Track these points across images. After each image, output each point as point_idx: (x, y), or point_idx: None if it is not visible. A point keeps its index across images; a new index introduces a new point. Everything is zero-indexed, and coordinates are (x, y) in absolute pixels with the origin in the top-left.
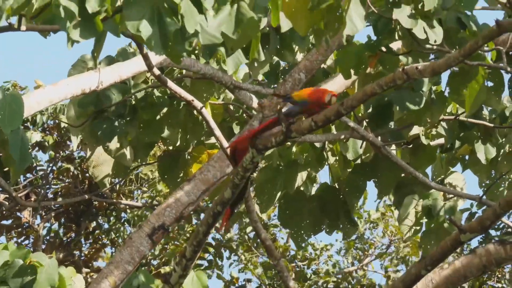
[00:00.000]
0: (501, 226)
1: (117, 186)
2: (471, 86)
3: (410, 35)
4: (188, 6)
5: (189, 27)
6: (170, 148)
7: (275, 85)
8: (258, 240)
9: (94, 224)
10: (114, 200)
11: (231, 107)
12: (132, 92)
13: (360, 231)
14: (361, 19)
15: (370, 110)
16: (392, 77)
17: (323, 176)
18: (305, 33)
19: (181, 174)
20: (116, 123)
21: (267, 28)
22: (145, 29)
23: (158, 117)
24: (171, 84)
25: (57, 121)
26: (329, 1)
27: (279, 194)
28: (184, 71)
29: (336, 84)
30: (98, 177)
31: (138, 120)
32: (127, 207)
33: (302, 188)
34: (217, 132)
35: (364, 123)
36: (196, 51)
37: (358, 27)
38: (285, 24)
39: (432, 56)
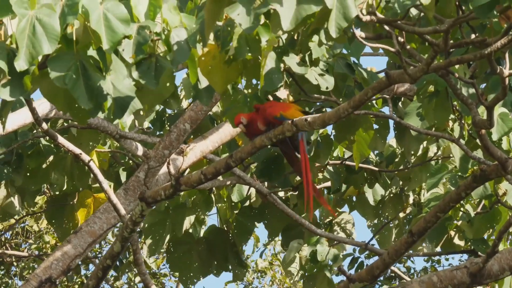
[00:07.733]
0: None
1: (2, 237)
2: (359, 134)
3: (297, 84)
4: (115, 60)
5: (117, 82)
6: (57, 193)
7: (161, 132)
8: None
9: None
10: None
11: (118, 154)
12: (19, 141)
13: (248, 280)
14: (278, 75)
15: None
16: (281, 129)
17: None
18: (222, 90)
19: (66, 221)
20: (3, 170)
21: None
22: (71, 81)
23: (44, 165)
24: (60, 138)
25: None
26: (245, 56)
27: (168, 237)
28: (69, 121)
29: (224, 133)
30: None
31: (25, 168)
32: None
33: (190, 231)
34: (105, 185)
35: (252, 168)
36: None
37: (275, 84)
38: (203, 81)
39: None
